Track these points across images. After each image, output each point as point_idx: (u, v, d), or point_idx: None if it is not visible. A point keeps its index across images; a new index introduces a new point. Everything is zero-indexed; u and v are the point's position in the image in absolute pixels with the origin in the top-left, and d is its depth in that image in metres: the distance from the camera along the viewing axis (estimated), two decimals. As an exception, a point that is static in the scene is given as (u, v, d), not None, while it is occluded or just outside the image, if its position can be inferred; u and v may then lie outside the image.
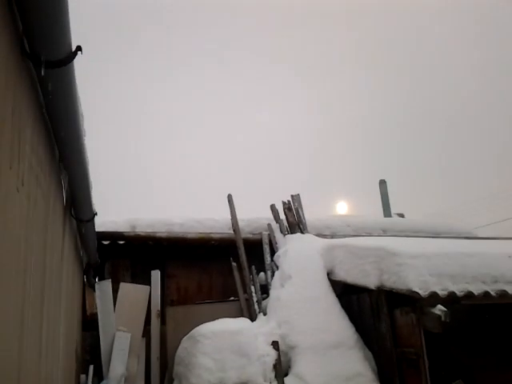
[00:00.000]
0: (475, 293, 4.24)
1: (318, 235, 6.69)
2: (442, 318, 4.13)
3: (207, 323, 5.07)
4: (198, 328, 5.00)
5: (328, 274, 5.62)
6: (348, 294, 5.40)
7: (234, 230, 6.70)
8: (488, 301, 4.33)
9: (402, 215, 9.65)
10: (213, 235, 6.84)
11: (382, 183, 10.09)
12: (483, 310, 4.76)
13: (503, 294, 4.29)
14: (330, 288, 5.43)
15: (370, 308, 4.97)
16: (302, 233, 6.69)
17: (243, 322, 5.17)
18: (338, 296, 5.41)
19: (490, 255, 4.72)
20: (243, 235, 6.74)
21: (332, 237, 6.82)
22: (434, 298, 4.18)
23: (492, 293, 4.27)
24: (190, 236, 6.82)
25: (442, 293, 4.19)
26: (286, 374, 4.59)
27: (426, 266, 4.41)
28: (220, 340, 4.76)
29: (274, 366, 4.55)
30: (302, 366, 4.52)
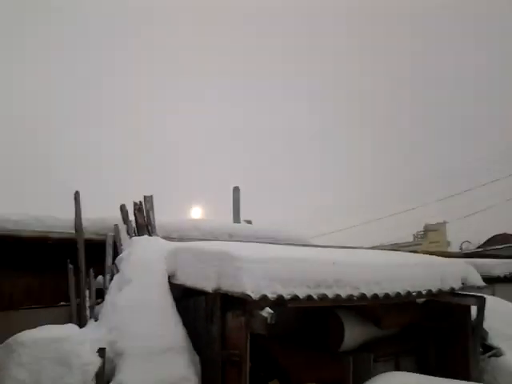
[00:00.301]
0: (300, 296, 4.51)
1: (166, 238, 6.57)
2: (268, 320, 4.30)
3: (28, 330, 4.59)
4: (15, 336, 4.50)
5: (170, 278, 5.52)
6: (187, 298, 5.36)
7: (76, 230, 6.26)
8: (311, 303, 4.64)
9: (249, 222, 10.07)
10: (51, 235, 6.32)
11: (236, 190, 10.41)
12: (307, 313, 5.09)
13: (324, 298, 4.64)
14: (169, 292, 5.33)
15: (204, 311, 4.99)
16: (150, 235, 6.51)
17: (70, 329, 4.80)
18: (177, 300, 5.33)
19: (317, 261, 5.06)
20: (87, 235, 6.33)
21: (180, 240, 6.75)
22: (264, 301, 4.33)
23: (314, 296, 4.59)
24: (24, 234, 6.21)
25: (271, 296, 4.37)
26: (109, 382, 4.37)
27: (261, 271, 4.55)
28: (39, 349, 4.34)
29: (96, 375, 4.30)
30: (125, 372, 4.33)
